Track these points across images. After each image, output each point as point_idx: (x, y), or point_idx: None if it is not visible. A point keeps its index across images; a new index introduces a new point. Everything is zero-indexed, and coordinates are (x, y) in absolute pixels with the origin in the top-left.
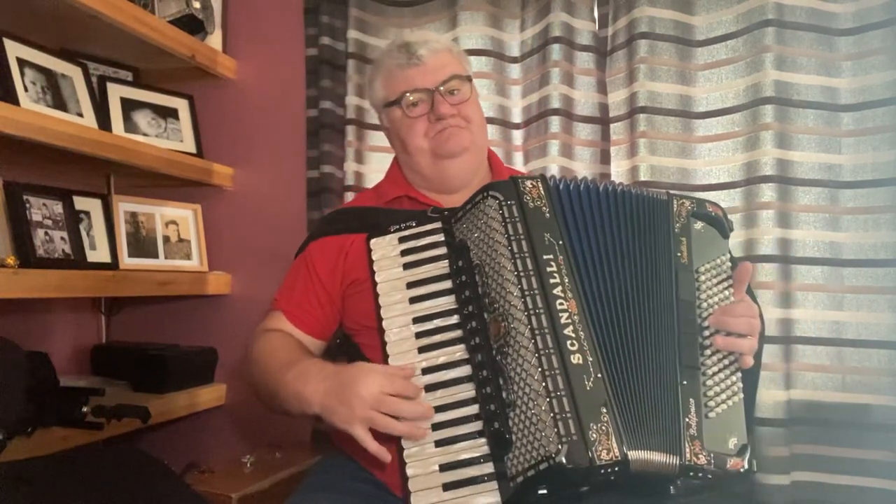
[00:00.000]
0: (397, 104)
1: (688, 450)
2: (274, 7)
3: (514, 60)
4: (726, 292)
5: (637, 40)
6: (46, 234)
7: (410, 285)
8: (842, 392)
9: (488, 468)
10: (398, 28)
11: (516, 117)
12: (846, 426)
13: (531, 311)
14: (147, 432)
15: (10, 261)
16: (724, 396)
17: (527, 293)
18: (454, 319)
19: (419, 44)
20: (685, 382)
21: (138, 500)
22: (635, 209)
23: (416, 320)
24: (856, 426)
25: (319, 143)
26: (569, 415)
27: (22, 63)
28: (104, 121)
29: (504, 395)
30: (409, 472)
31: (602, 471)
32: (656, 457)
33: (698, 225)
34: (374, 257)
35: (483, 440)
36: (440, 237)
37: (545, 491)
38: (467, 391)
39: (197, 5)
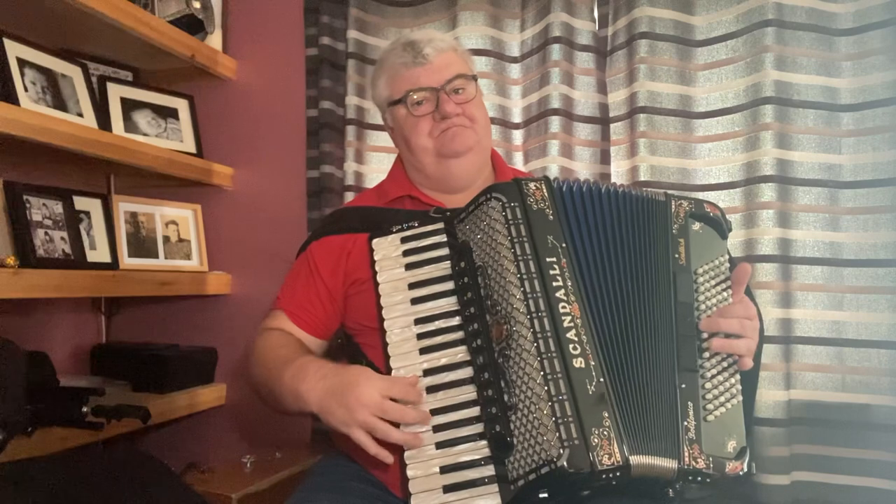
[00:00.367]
0: (402, 103)
1: (686, 454)
2: (274, 7)
3: (514, 60)
4: (725, 294)
5: (637, 40)
6: (46, 234)
7: (412, 286)
8: (842, 392)
9: (489, 471)
10: (398, 28)
11: (516, 117)
12: (846, 426)
13: (534, 315)
14: (147, 432)
15: (10, 261)
16: (722, 399)
17: (529, 296)
18: (456, 321)
19: (424, 42)
20: (683, 385)
21: (138, 500)
22: (635, 211)
23: (418, 321)
24: (856, 426)
25: (319, 143)
26: (570, 419)
27: (22, 63)
28: (104, 121)
29: (506, 397)
30: (409, 473)
31: (603, 475)
32: (656, 461)
33: (696, 226)
34: (375, 257)
35: (484, 442)
36: (442, 238)
37: (546, 494)
38: (468, 393)
39: (197, 5)
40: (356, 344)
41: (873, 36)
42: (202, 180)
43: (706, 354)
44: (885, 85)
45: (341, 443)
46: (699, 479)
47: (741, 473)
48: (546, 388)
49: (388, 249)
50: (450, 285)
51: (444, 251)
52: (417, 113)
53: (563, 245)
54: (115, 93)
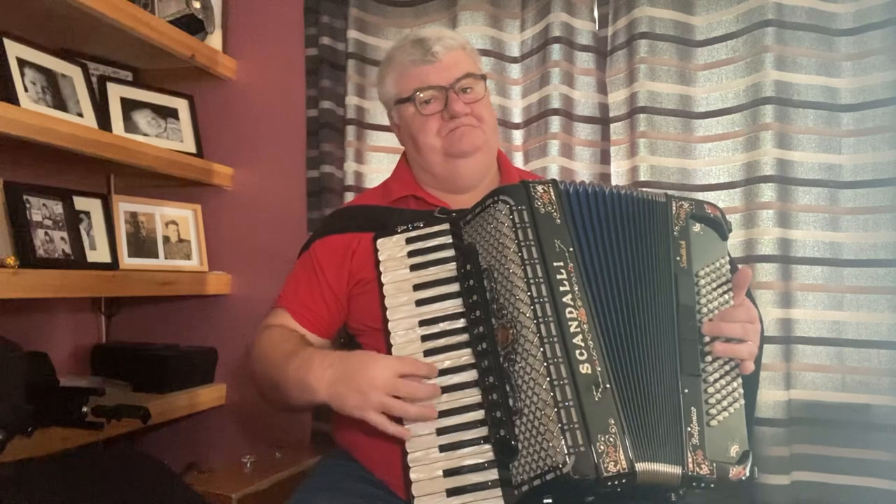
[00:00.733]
0: (410, 101)
1: (690, 460)
2: (274, 7)
3: (514, 60)
4: (726, 296)
5: (637, 40)
6: (46, 234)
7: (417, 287)
8: (842, 392)
9: (493, 474)
10: (398, 28)
11: (516, 117)
12: (846, 426)
13: (540, 320)
14: (147, 432)
15: (10, 261)
16: (725, 403)
17: (536, 301)
18: (461, 323)
19: (434, 40)
20: (686, 390)
21: (138, 500)
22: (637, 213)
23: (423, 323)
24: (856, 426)
25: (319, 143)
26: (577, 425)
27: (22, 63)
28: (104, 121)
29: (510, 402)
30: (412, 476)
31: (609, 482)
32: (661, 468)
33: (697, 227)
34: (380, 258)
35: (488, 446)
36: (448, 239)
37: (550, 500)
38: (473, 396)
39: (197, 5)
40: (359, 344)
41: (873, 36)
42: (202, 180)
43: (708, 358)
44: (885, 85)
45: (343, 442)
46: (703, 485)
47: (744, 478)
48: (552, 393)
49: (392, 250)
50: (455, 287)
51: (450, 252)
52: (426, 112)
53: (571, 249)
54: (115, 93)
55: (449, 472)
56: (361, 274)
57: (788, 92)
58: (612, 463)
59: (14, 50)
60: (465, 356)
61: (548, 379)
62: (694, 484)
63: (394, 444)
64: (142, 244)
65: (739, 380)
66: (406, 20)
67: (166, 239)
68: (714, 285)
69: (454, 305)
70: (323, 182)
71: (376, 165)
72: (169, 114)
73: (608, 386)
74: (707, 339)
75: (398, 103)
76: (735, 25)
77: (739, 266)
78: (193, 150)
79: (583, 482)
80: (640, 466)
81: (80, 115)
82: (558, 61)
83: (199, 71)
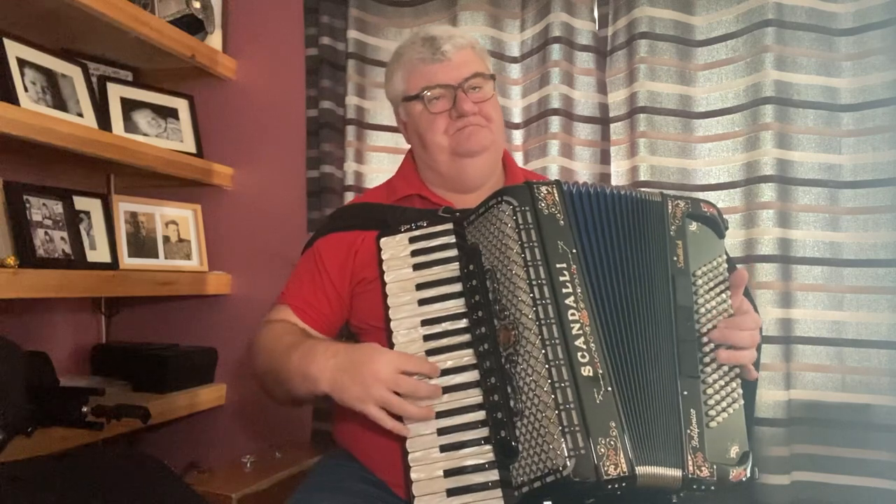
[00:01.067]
0: (418, 99)
1: (690, 463)
2: (274, 7)
3: (514, 60)
4: (724, 296)
5: (637, 40)
6: (46, 234)
7: (420, 287)
8: (842, 392)
9: (493, 475)
10: (398, 28)
11: (516, 117)
12: (846, 426)
13: (542, 321)
14: (147, 432)
15: (10, 261)
16: (724, 404)
17: (538, 302)
18: (463, 324)
19: (444, 38)
20: (686, 392)
21: (138, 500)
22: (635, 213)
23: (425, 322)
24: (856, 426)
25: (319, 143)
26: (577, 428)
27: (22, 63)
28: (104, 121)
29: (512, 403)
30: (413, 476)
31: (609, 485)
32: (661, 471)
33: (693, 226)
34: (383, 256)
35: (488, 447)
36: (451, 239)
37: (549, 502)
38: (474, 397)
39: (197, 5)
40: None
41: (873, 36)
42: (202, 180)
43: (706, 359)
44: (885, 85)
45: (343, 441)
46: (703, 487)
47: (744, 480)
48: (553, 395)
49: (396, 249)
50: (458, 287)
51: (453, 252)
52: (434, 109)
53: (574, 251)
54: (115, 93)
55: (449, 473)
56: (364, 272)
57: (788, 92)
58: (613, 466)
59: (14, 50)
60: (466, 356)
61: (549, 381)
62: (694, 486)
63: (394, 444)
64: (142, 244)
65: (738, 380)
66: (406, 20)
67: (166, 239)
68: (711, 285)
69: (457, 305)
70: (323, 182)
71: (376, 165)
72: (169, 114)
73: (609, 389)
74: (706, 340)
75: (406, 100)
76: (735, 25)
77: (739, 266)
78: (193, 150)
79: (583, 485)
80: (640, 469)
81: (80, 115)
82: (558, 61)
83: (199, 71)
